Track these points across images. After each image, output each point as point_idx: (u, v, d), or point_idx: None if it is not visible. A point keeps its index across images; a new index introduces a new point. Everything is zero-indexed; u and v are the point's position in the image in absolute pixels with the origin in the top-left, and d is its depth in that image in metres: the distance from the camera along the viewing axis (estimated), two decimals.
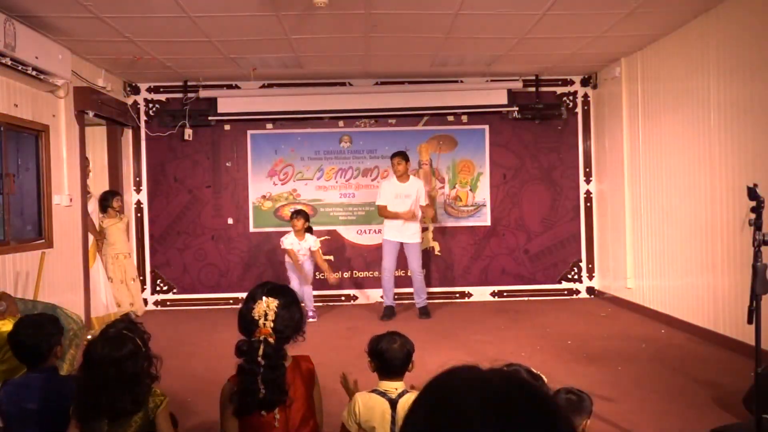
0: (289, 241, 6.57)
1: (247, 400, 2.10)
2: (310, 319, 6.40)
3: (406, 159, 6.60)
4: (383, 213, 6.60)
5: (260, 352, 2.11)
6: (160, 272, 7.65)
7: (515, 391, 0.75)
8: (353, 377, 2.70)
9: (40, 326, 2.51)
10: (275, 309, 2.16)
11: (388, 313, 6.65)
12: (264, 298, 2.17)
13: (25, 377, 2.51)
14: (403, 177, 6.58)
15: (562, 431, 0.74)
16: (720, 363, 4.62)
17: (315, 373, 2.34)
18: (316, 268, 6.90)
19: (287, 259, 6.69)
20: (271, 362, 2.12)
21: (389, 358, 2.45)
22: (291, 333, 2.22)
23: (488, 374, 0.78)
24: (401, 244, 6.61)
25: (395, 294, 7.04)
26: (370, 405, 2.41)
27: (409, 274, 6.89)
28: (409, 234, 6.58)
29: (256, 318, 2.15)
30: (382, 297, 6.86)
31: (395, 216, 6.48)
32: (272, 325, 2.15)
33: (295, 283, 6.54)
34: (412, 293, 6.94)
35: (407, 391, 2.44)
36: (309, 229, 6.70)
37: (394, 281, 6.76)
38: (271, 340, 2.14)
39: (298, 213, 6.61)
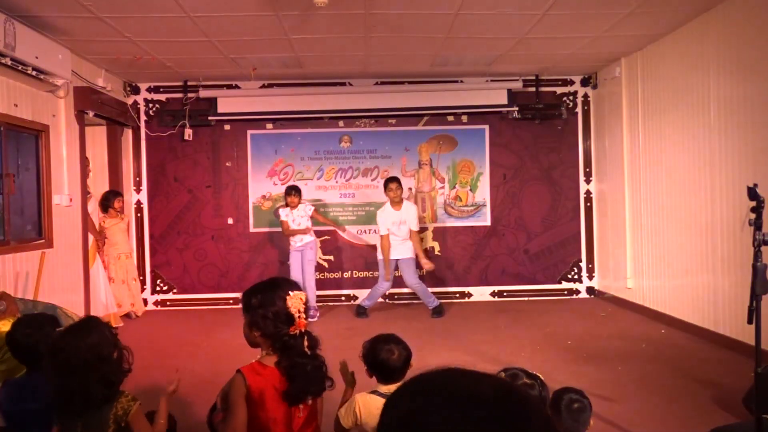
0: (285, 212, 6.73)
1: (302, 393, 2.16)
2: (312, 319, 6.42)
3: (401, 184, 6.72)
4: (383, 245, 6.66)
5: (305, 344, 2.18)
6: (160, 272, 7.65)
7: (487, 394, 0.73)
8: (354, 377, 2.69)
9: (38, 326, 2.50)
10: (304, 301, 2.21)
11: (360, 311, 6.76)
12: (292, 292, 2.20)
13: (25, 377, 2.51)
14: (397, 204, 6.67)
15: (535, 425, 0.73)
16: (720, 363, 4.62)
17: None
18: (317, 267, 6.92)
19: (291, 248, 6.72)
20: (315, 352, 2.20)
21: (390, 368, 2.43)
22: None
23: (458, 376, 0.77)
24: (396, 261, 6.73)
25: (396, 294, 7.08)
26: (371, 406, 2.40)
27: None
28: (404, 250, 6.70)
29: (294, 312, 2.17)
30: (384, 296, 6.91)
31: (387, 261, 6.62)
32: (305, 316, 2.20)
33: (295, 274, 6.58)
34: (412, 293, 7.00)
35: None
36: None
37: (393, 281, 6.86)
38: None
39: (293, 189, 6.71)
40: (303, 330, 2.19)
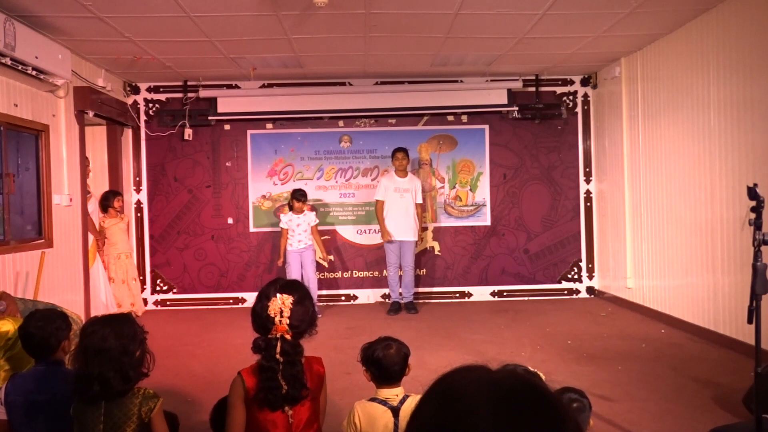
0: (286, 218, 6.71)
1: (271, 397, 2.13)
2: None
3: (408, 155, 6.94)
4: (377, 210, 6.97)
5: (278, 349, 2.13)
6: (160, 272, 7.65)
7: (523, 392, 0.75)
8: (354, 377, 2.69)
9: (50, 320, 2.55)
10: (290, 305, 2.16)
11: (395, 307, 6.88)
12: (278, 295, 2.17)
13: (32, 370, 2.55)
14: (402, 172, 6.90)
15: (570, 431, 0.74)
16: (720, 363, 4.62)
17: (324, 378, 2.33)
18: (317, 266, 6.96)
19: (287, 250, 6.72)
20: (289, 358, 2.14)
21: (387, 365, 2.40)
22: (306, 327, 2.23)
23: (496, 374, 0.78)
24: (400, 242, 6.88)
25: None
26: (371, 414, 2.37)
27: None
28: (407, 232, 6.87)
29: (272, 316, 2.15)
30: (384, 296, 6.96)
31: (382, 223, 6.91)
32: (288, 321, 2.15)
33: (294, 276, 6.59)
34: (414, 293, 7.04)
35: (408, 396, 2.41)
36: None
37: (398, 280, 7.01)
38: (287, 336, 2.15)
39: (303, 195, 6.74)
40: (279, 335, 2.15)
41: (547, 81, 7.72)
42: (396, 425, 2.33)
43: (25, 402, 2.43)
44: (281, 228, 6.77)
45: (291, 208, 6.75)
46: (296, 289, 2.24)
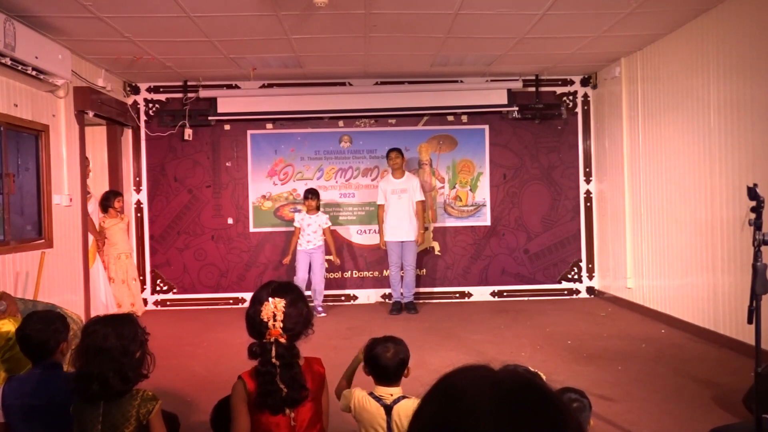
0: (300, 217, 6.86)
1: (270, 401, 2.12)
2: (320, 314, 6.63)
3: (402, 154, 6.94)
4: (378, 215, 7.09)
5: (273, 353, 2.12)
6: (160, 272, 7.65)
7: (525, 392, 0.75)
8: (354, 377, 2.70)
9: (49, 322, 2.54)
10: (283, 309, 2.15)
11: (397, 307, 6.92)
12: (270, 299, 2.16)
13: (29, 373, 2.53)
14: (398, 172, 6.93)
15: (571, 431, 0.74)
16: (720, 363, 4.62)
17: (325, 378, 2.33)
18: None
19: (298, 247, 6.84)
20: (285, 361, 2.13)
21: (381, 365, 2.44)
22: (301, 329, 2.22)
23: (498, 374, 0.78)
24: (401, 242, 6.91)
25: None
26: (365, 407, 2.44)
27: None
28: (407, 232, 6.90)
29: (265, 320, 2.14)
30: (384, 296, 6.95)
31: (380, 225, 7.01)
32: (281, 325, 2.14)
33: (301, 275, 6.71)
34: (416, 293, 7.07)
35: (404, 398, 2.43)
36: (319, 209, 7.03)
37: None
38: (282, 340, 2.14)
39: (313, 193, 6.87)
40: (273, 339, 2.14)
41: (547, 81, 7.72)
42: (388, 423, 2.36)
43: (22, 406, 2.41)
44: (294, 227, 6.91)
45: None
46: (289, 291, 2.23)
